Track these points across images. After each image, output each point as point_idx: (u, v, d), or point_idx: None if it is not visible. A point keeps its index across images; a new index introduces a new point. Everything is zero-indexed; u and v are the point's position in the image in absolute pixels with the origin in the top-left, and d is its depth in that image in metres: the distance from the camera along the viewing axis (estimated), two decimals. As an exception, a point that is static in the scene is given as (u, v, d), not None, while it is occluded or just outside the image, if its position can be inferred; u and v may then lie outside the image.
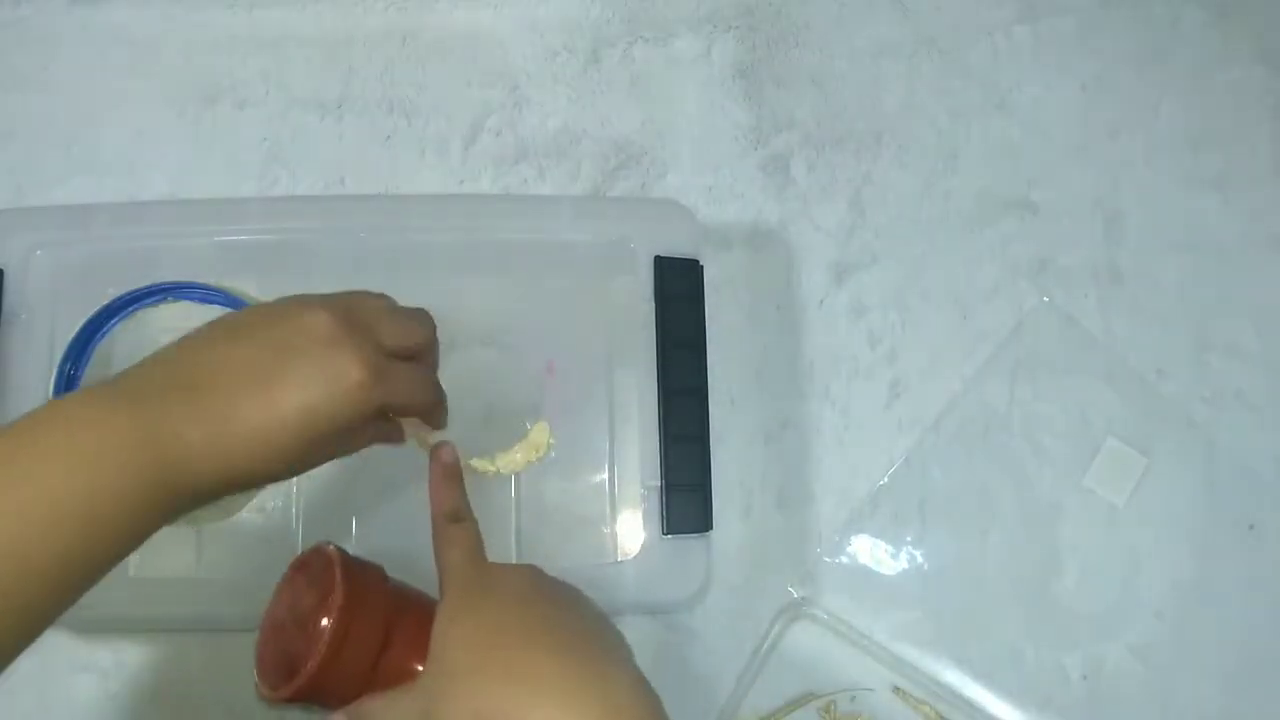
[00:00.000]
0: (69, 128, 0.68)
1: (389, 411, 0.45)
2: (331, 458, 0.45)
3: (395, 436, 0.51)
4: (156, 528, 0.39)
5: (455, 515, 0.48)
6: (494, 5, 0.72)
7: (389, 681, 0.44)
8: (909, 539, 0.64)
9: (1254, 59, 0.73)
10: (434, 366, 0.50)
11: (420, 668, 0.44)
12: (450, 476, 0.49)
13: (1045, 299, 0.68)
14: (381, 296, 0.47)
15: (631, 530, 0.59)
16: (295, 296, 0.44)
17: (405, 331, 0.46)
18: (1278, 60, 0.73)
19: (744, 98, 0.71)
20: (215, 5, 0.71)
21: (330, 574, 0.44)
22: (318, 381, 0.41)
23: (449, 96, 0.70)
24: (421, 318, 0.48)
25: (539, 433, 0.60)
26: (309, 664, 0.42)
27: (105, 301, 0.60)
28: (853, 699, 0.61)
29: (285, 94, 0.69)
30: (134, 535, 0.38)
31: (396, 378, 0.44)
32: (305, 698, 0.43)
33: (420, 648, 0.44)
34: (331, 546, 0.46)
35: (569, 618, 0.45)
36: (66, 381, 0.59)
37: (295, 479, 0.59)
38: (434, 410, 0.49)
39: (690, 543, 0.57)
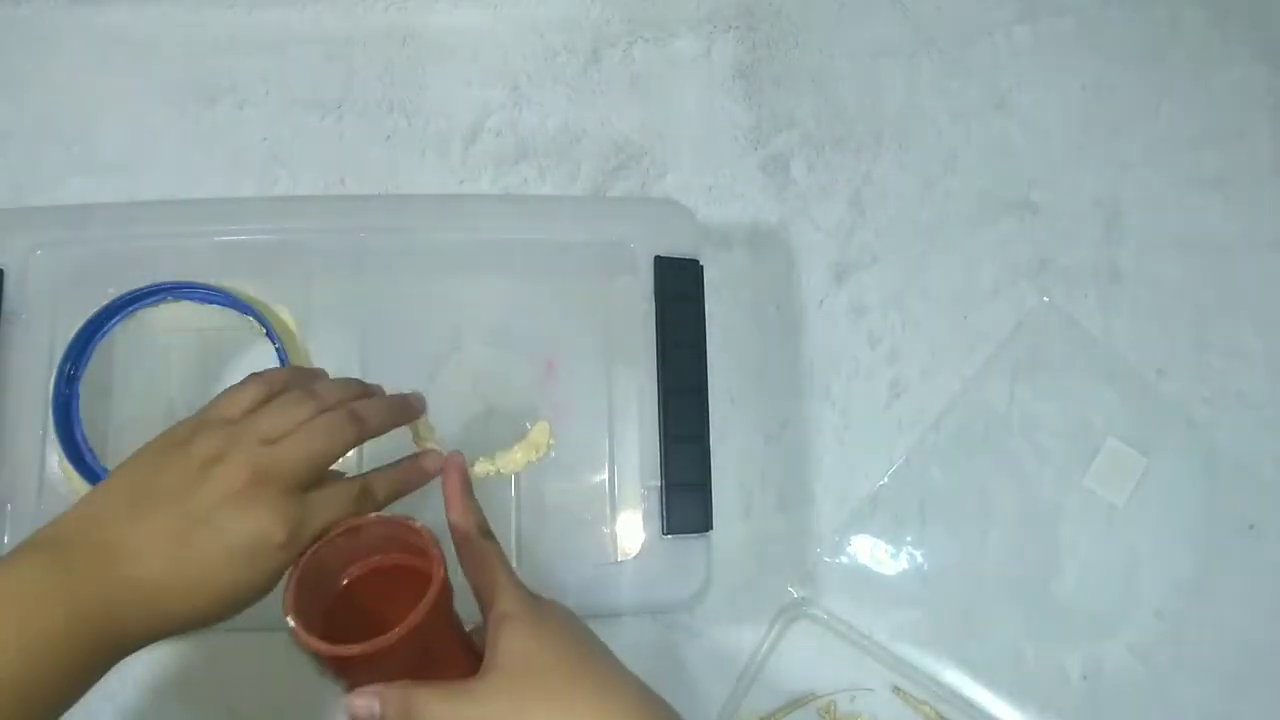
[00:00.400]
0: (69, 128, 0.68)
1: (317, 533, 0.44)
2: (287, 559, 0.44)
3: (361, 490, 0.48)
4: (91, 680, 0.41)
5: (485, 530, 0.48)
6: (494, 5, 0.72)
7: (427, 676, 0.44)
8: (909, 539, 0.64)
9: (1254, 59, 0.73)
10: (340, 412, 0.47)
11: (460, 673, 0.44)
12: (467, 488, 0.49)
13: (1045, 299, 0.68)
14: (302, 400, 0.45)
15: (631, 530, 0.59)
16: (206, 429, 0.44)
17: (284, 418, 0.45)
18: (1278, 60, 0.73)
19: (744, 98, 0.71)
20: (215, 5, 0.71)
21: (428, 552, 0.44)
22: (241, 552, 0.42)
23: (449, 96, 0.70)
24: (300, 398, 0.46)
25: (539, 433, 0.60)
26: (392, 633, 0.41)
27: (105, 301, 0.60)
28: (852, 699, 0.61)
29: (285, 94, 0.69)
30: (69, 684, 0.40)
31: (322, 510, 0.44)
32: (352, 662, 0.42)
33: (464, 651, 0.45)
34: (422, 524, 0.45)
35: (602, 655, 0.46)
36: (66, 381, 0.59)
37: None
38: (390, 420, 0.49)
39: (690, 543, 0.56)
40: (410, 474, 0.49)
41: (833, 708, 0.61)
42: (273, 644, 0.61)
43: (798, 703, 0.61)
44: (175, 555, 0.41)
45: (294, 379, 0.48)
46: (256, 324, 0.60)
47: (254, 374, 0.47)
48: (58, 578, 0.40)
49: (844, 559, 0.63)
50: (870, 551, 0.64)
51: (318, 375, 0.50)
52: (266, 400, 0.46)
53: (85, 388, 0.60)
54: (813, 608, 0.62)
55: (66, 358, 0.59)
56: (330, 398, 0.47)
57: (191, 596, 0.41)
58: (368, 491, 0.47)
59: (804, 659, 0.62)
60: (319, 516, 0.44)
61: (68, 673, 0.40)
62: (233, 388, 0.47)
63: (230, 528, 0.42)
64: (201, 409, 0.47)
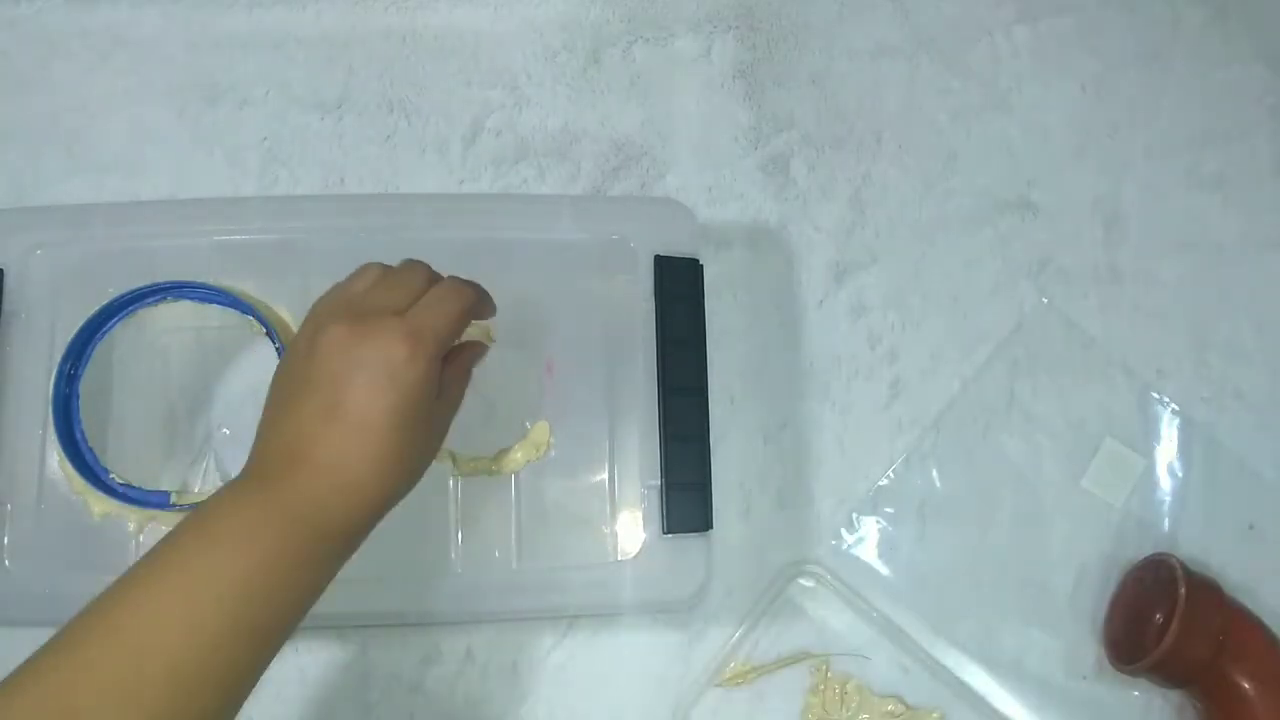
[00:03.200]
0: (69, 128, 0.68)
1: (446, 342, 0.46)
2: (443, 421, 0.48)
3: (478, 351, 0.54)
4: (329, 575, 0.43)
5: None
6: (494, 5, 0.72)
7: (1220, 672, 0.57)
8: (909, 539, 0.64)
9: (1254, 59, 0.73)
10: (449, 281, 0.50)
11: (1245, 683, 0.56)
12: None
13: (1045, 299, 0.68)
14: (364, 270, 0.48)
15: (631, 529, 0.59)
16: (305, 324, 0.46)
17: (406, 286, 0.47)
18: (1278, 60, 0.73)
19: (744, 98, 0.71)
20: (215, 5, 0.71)
21: (1174, 582, 0.57)
22: (376, 384, 0.43)
23: (449, 96, 0.70)
24: (411, 264, 0.49)
25: (539, 432, 0.60)
26: (1160, 645, 0.56)
27: (105, 301, 0.60)
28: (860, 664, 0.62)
29: (285, 94, 0.69)
30: (305, 591, 0.42)
31: (428, 317, 0.45)
32: (1150, 672, 0.58)
33: (1248, 661, 0.57)
34: (1175, 558, 0.59)
35: None
36: (66, 381, 0.59)
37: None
38: (479, 306, 0.50)
39: (690, 542, 0.56)
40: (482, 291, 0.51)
41: (825, 667, 0.61)
42: (282, 649, 0.61)
43: (791, 659, 0.62)
44: (335, 426, 0.42)
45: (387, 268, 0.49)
46: (256, 324, 0.60)
47: (366, 265, 0.49)
48: (265, 500, 0.42)
49: (844, 559, 0.63)
50: (870, 551, 0.64)
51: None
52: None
53: (85, 388, 0.60)
54: (814, 567, 0.63)
55: (66, 357, 0.59)
56: (429, 271, 0.49)
57: (368, 452, 0.43)
58: (462, 285, 0.49)
59: (803, 623, 0.63)
60: (428, 319, 0.45)
61: (301, 581, 0.42)
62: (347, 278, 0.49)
63: (356, 368, 0.43)
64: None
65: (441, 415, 0.48)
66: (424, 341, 0.44)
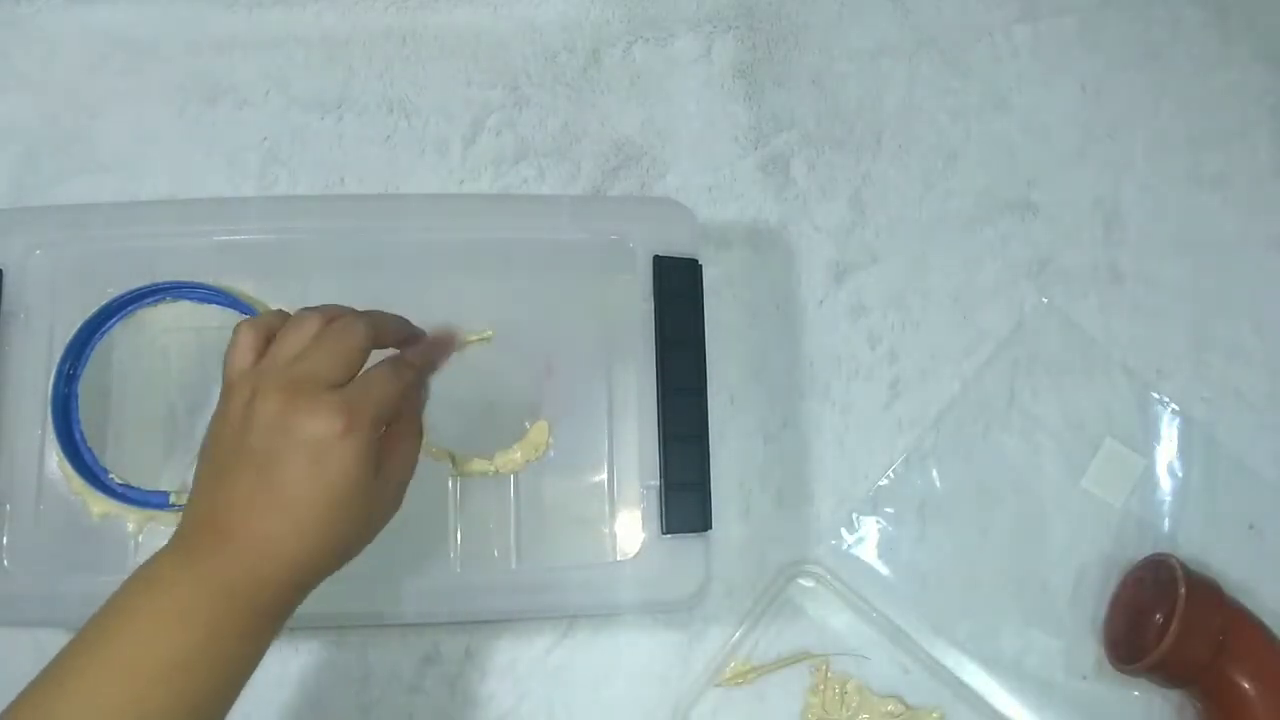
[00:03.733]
0: (69, 128, 0.68)
1: (384, 420, 0.45)
2: (394, 491, 0.47)
3: (420, 397, 0.53)
4: (266, 642, 0.43)
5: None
6: (494, 5, 0.72)
7: (1220, 672, 0.57)
8: (909, 539, 0.64)
9: (1254, 59, 0.73)
10: (391, 335, 0.50)
11: (1245, 683, 0.56)
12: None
13: (1045, 299, 0.68)
14: (301, 323, 0.46)
15: (630, 530, 0.59)
16: (239, 384, 0.45)
17: (345, 349, 0.45)
18: (1278, 60, 0.73)
19: (744, 98, 0.71)
20: (215, 5, 0.71)
21: (1174, 582, 0.57)
22: (308, 462, 0.42)
23: (449, 96, 0.70)
24: (349, 319, 0.47)
25: (538, 432, 0.60)
26: (1160, 645, 0.56)
27: (105, 301, 0.60)
28: (858, 665, 0.62)
29: (285, 94, 0.69)
30: (242, 662, 0.42)
31: (365, 394, 0.44)
32: (1150, 672, 0.58)
33: (1248, 661, 0.57)
34: (1175, 559, 0.59)
35: None
36: (66, 381, 0.59)
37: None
38: (429, 369, 0.51)
39: (689, 542, 0.56)
40: (438, 343, 0.52)
41: (825, 667, 0.61)
42: (276, 649, 0.61)
43: (791, 659, 0.62)
44: (266, 502, 0.42)
45: (277, 316, 0.48)
46: (256, 324, 0.60)
47: (242, 323, 0.47)
48: (193, 576, 0.41)
49: (844, 559, 0.63)
50: (870, 551, 0.64)
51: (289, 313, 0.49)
52: (268, 341, 0.46)
53: (84, 388, 0.60)
54: (814, 567, 0.63)
55: (66, 357, 0.59)
56: (332, 309, 0.47)
57: (300, 528, 0.42)
58: (402, 363, 0.48)
59: (803, 623, 0.63)
60: (366, 396, 0.44)
61: (237, 653, 0.42)
62: (230, 347, 0.47)
63: (290, 445, 0.42)
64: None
65: (386, 485, 0.46)
66: (360, 419, 0.43)
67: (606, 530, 0.60)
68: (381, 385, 0.45)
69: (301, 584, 0.43)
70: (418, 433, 0.50)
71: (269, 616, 0.43)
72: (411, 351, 0.51)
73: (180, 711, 0.39)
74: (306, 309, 0.47)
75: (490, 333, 0.62)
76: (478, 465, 0.60)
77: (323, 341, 0.45)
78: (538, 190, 0.68)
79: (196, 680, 0.40)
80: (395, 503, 0.47)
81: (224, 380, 0.46)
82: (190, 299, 0.62)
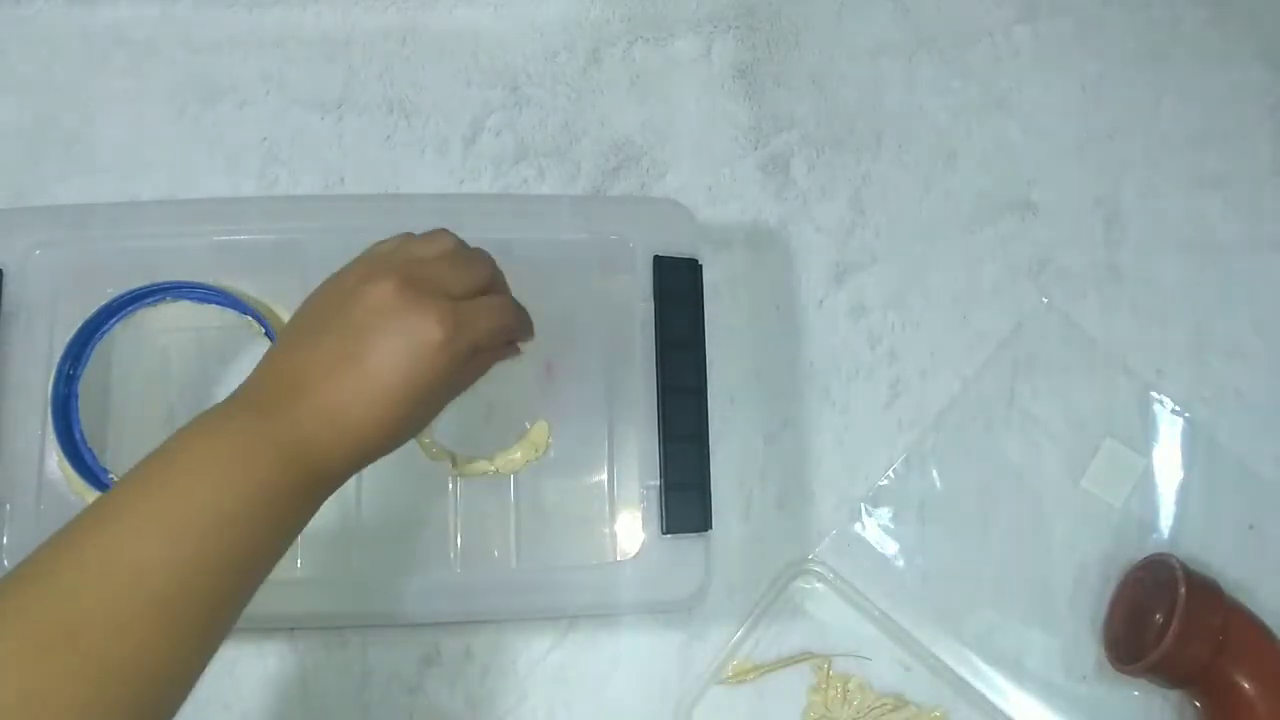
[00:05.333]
0: (69, 128, 0.68)
1: (479, 348, 0.46)
2: (446, 402, 0.47)
3: (508, 352, 0.53)
4: (307, 516, 0.43)
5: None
6: (494, 5, 0.72)
7: (1220, 672, 0.57)
8: (908, 539, 0.64)
9: (1254, 59, 0.73)
10: (506, 291, 0.51)
11: (1245, 683, 0.56)
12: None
13: (1045, 299, 0.68)
14: (438, 237, 0.48)
15: (631, 530, 0.59)
16: (360, 262, 0.46)
17: (469, 275, 0.47)
18: (1278, 60, 0.73)
19: (744, 98, 0.71)
20: (215, 5, 0.71)
21: (1174, 582, 0.58)
22: (402, 353, 0.42)
23: (449, 96, 0.70)
24: (481, 255, 0.49)
25: (538, 432, 0.60)
26: (1160, 645, 0.56)
27: (105, 301, 0.60)
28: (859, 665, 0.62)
29: (285, 94, 0.69)
30: (287, 527, 0.42)
31: (474, 318, 0.45)
32: (1150, 672, 0.58)
33: (1248, 661, 0.56)
34: (1175, 559, 0.59)
35: None
36: (66, 381, 0.59)
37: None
38: (520, 329, 0.51)
39: (690, 542, 0.56)
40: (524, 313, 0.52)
41: (827, 666, 0.61)
42: (276, 649, 0.61)
43: (792, 659, 0.62)
44: (350, 372, 0.42)
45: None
46: (256, 324, 0.60)
47: (441, 230, 0.49)
48: (257, 427, 0.41)
49: (843, 559, 0.63)
50: (870, 551, 0.64)
51: None
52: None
53: (84, 388, 0.59)
54: (815, 567, 0.63)
55: (66, 358, 0.59)
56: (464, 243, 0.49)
57: (374, 407, 0.42)
58: (515, 304, 0.50)
59: (803, 622, 0.63)
60: (476, 318, 0.45)
61: (285, 515, 0.41)
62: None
63: (391, 331, 0.43)
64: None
65: (460, 386, 0.48)
66: (462, 336, 0.44)
67: (607, 530, 0.60)
68: (490, 315, 0.46)
69: (356, 460, 0.43)
70: (487, 367, 0.51)
71: (322, 484, 0.43)
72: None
73: (222, 570, 0.39)
74: (444, 229, 0.49)
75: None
76: (478, 465, 0.60)
77: (453, 257, 0.47)
78: (538, 190, 0.68)
79: (243, 538, 0.39)
80: (438, 413, 0.47)
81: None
82: (190, 299, 0.62)
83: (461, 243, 0.48)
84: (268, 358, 0.44)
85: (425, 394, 0.43)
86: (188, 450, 0.40)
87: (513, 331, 0.50)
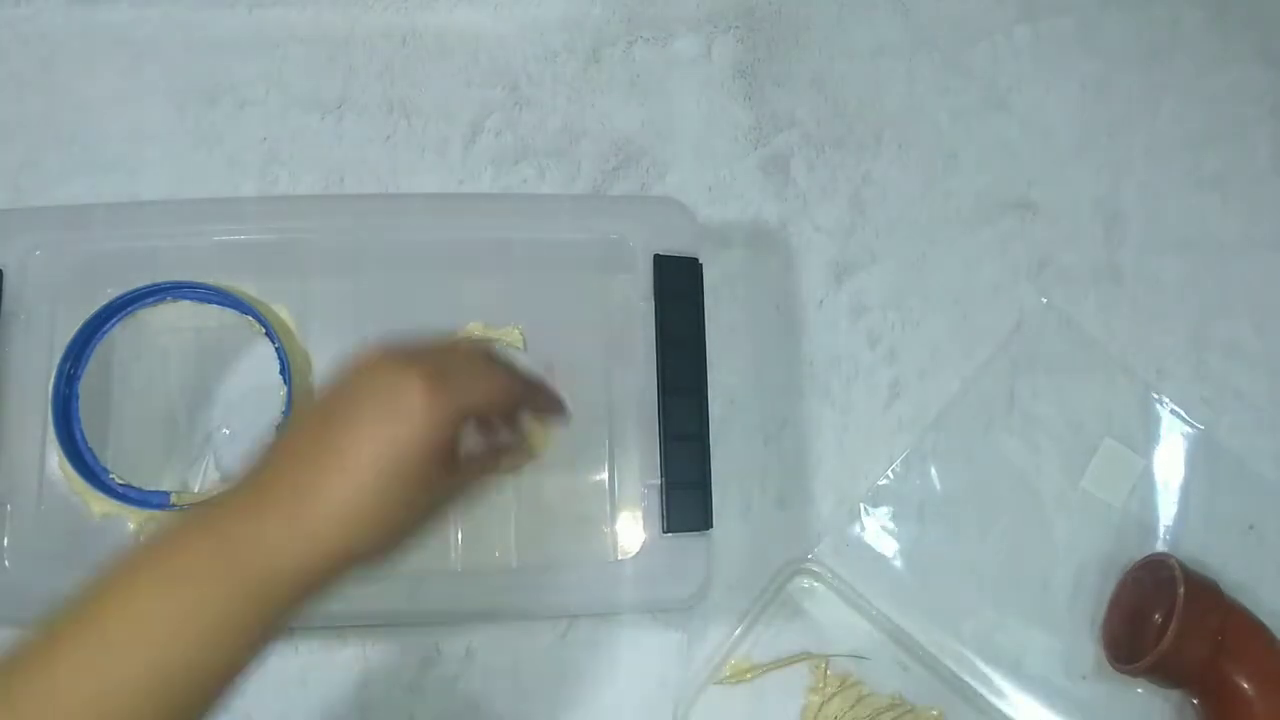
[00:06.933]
0: (69, 128, 0.68)
1: (476, 415, 0.42)
2: (433, 503, 0.42)
3: (517, 458, 0.48)
4: (269, 633, 0.38)
5: None
6: (494, 5, 0.72)
7: (1219, 672, 0.57)
8: (909, 538, 0.64)
9: (1254, 59, 0.73)
10: (543, 405, 0.47)
11: (1244, 683, 0.56)
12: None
13: (1044, 299, 0.68)
14: (452, 339, 0.44)
15: (631, 529, 0.59)
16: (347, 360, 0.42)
17: (464, 357, 0.42)
18: (1278, 60, 0.73)
19: (744, 98, 0.71)
20: (215, 5, 0.71)
21: (1173, 582, 0.57)
22: (376, 415, 0.38)
23: (449, 96, 0.70)
24: (506, 369, 0.44)
25: (538, 432, 0.60)
26: (1159, 645, 0.56)
27: (105, 301, 0.60)
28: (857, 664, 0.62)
29: (285, 94, 0.69)
30: (255, 639, 0.38)
31: (469, 380, 0.40)
32: (1149, 672, 0.58)
33: (1247, 661, 0.56)
34: (1173, 559, 0.59)
35: None
36: (66, 381, 0.59)
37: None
38: (537, 400, 0.46)
39: (690, 541, 0.56)
40: (550, 395, 0.47)
41: (825, 665, 0.61)
42: (276, 649, 0.61)
43: (791, 658, 0.62)
44: (314, 458, 0.37)
45: None
46: (256, 323, 0.61)
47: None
48: (211, 532, 0.37)
49: (843, 558, 0.63)
50: (869, 551, 0.64)
51: None
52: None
53: (85, 388, 0.60)
54: (814, 566, 0.63)
55: (66, 358, 0.59)
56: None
57: (338, 503, 0.37)
58: (507, 367, 0.44)
59: (802, 622, 0.63)
60: (468, 383, 0.40)
61: (251, 628, 0.37)
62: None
63: (368, 396, 0.38)
64: None
65: (448, 492, 0.42)
66: (444, 390, 0.39)
67: (607, 530, 0.60)
68: (489, 379, 0.42)
69: (326, 563, 0.38)
70: (497, 463, 0.46)
71: (278, 595, 0.37)
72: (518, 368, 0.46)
73: (188, 687, 0.36)
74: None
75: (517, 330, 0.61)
76: (478, 465, 0.60)
77: (453, 341, 0.43)
78: (538, 190, 0.68)
79: (208, 654, 0.36)
80: (443, 515, 0.43)
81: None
82: (190, 299, 0.62)
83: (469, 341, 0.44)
84: (235, 484, 0.40)
85: (407, 469, 0.38)
86: (135, 562, 0.37)
87: (521, 395, 0.45)
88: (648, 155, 0.69)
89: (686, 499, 0.56)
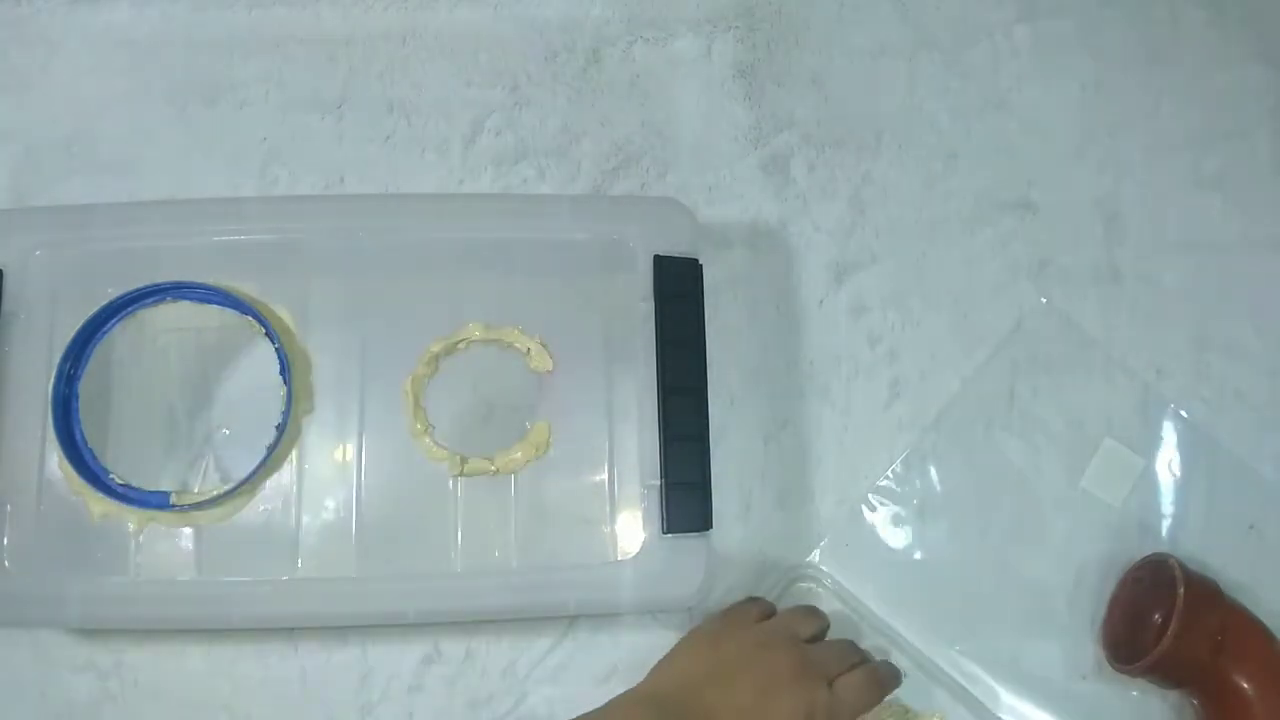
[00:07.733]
0: (69, 128, 0.68)
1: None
2: None
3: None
4: None
5: None
6: (494, 5, 0.72)
7: (1219, 672, 0.57)
8: (908, 539, 0.64)
9: (1254, 59, 0.73)
10: (872, 661, 0.59)
11: (1244, 683, 0.57)
12: None
13: (1044, 299, 0.68)
14: (815, 617, 0.59)
15: (631, 529, 0.59)
16: (752, 630, 0.57)
17: (843, 655, 0.57)
18: (1278, 60, 0.73)
19: (744, 98, 0.71)
20: (215, 5, 0.71)
21: (1172, 582, 0.58)
22: (797, 715, 0.52)
23: (449, 96, 0.70)
24: (845, 643, 0.58)
25: (539, 432, 0.60)
26: (1159, 645, 0.57)
27: (105, 302, 0.60)
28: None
29: (285, 94, 0.69)
30: None
31: (850, 695, 0.54)
32: (1149, 672, 0.59)
33: (1247, 661, 0.57)
34: (1173, 559, 0.60)
35: None
36: (66, 381, 0.59)
37: (295, 481, 0.59)
38: (888, 690, 0.58)
39: (690, 541, 0.56)
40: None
41: None
42: (276, 649, 0.61)
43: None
44: (752, 716, 0.52)
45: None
46: (256, 324, 0.60)
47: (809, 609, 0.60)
48: None
49: (843, 559, 0.63)
50: (869, 551, 0.64)
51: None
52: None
53: (85, 388, 0.60)
54: (814, 567, 0.63)
55: (66, 358, 0.59)
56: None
57: None
58: (887, 676, 0.58)
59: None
60: (851, 698, 0.54)
61: None
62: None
63: (791, 696, 0.52)
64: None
65: None
66: (840, 710, 0.53)
67: (607, 530, 0.60)
68: (860, 692, 0.55)
69: None
70: None
71: None
72: (889, 668, 0.59)
73: None
74: (816, 610, 0.60)
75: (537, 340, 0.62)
76: (478, 465, 0.60)
77: (829, 640, 0.58)
78: (538, 190, 0.68)
79: None
80: None
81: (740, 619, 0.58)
82: (190, 299, 0.62)
83: (828, 623, 0.59)
84: (672, 673, 0.55)
85: None
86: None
87: (879, 700, 0.56)
88: (647, 155, 0.69)
89: (686, 499, 0.56)
